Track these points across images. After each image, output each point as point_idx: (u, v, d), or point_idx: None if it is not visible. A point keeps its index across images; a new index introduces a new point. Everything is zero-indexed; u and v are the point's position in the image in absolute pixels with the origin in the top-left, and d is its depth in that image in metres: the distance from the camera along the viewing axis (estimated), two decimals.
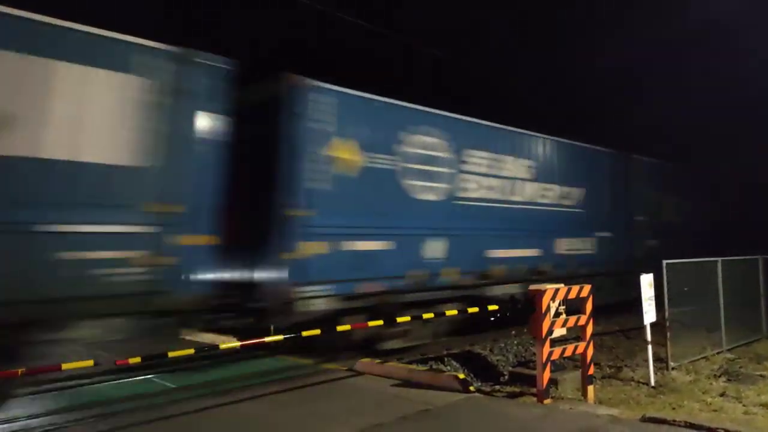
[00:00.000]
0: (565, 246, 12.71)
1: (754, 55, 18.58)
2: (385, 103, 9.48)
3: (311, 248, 8.12)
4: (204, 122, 7.00)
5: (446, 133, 10.24)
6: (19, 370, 4.79)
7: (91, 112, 6.09)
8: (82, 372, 6.66)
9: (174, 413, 5.88)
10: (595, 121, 18.98)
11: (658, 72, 20.89)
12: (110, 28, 6.39)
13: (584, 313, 6.87)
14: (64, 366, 5.02)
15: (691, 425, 5.34)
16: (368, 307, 8.77)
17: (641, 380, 7.61)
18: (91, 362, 5.15)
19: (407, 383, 7.02)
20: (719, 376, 7.89)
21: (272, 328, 7.76)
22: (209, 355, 8.18)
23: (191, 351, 5.80)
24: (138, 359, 5.43)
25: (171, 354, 5.57)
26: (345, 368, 7.95)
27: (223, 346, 6.08)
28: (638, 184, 15.39)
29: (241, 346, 6.09)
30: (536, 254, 11.88)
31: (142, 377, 7.47)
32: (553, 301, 6.43)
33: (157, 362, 6.91)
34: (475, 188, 10.79)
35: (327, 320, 7.99)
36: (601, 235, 13.86)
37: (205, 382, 7.22)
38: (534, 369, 6.63)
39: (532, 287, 6.54)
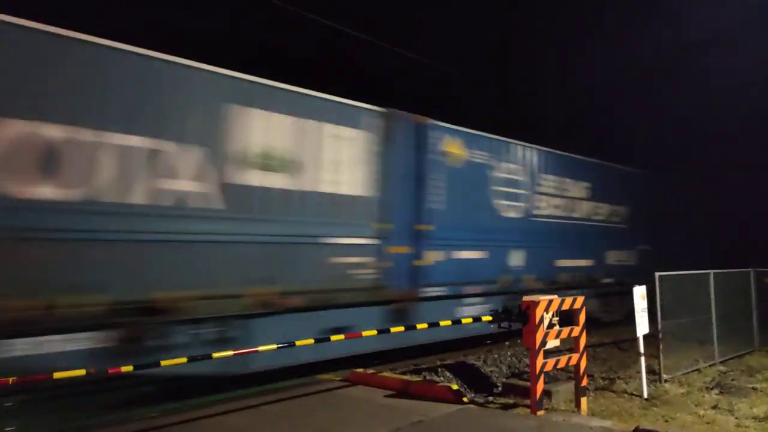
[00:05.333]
0: (613, 257, 14.63)
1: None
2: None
3: None
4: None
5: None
6: (10, 379, 4.75)
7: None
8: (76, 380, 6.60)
9: (164, 424, 5.84)
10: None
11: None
12: None
13: (577, 325, 6.89)
14: (56, 375, 4.98)
15: None
16: None
17: (634, 392, 7.62)
18: (83, 371, 5.11)
19: (401, 394, 7.00)
20: (712, 389, 7.91)
21: None
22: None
23: (184, 360, 5.77)
24: (130, 368, 5.39)
25: (163, 363, 5.54)
26: (338, 378, 7.91)
27: (215, 355, 6.04)
28: (663, 199, 16.74)
29: (234, 354, 6.05)
30: (591, 264, 13.65)
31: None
32: (547, 313, 6.45)
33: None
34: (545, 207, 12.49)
35: None
36: (641, 248, 15.72)
37: (195, 392, 7.18)
38: (527, 380, 6.64)
39: (526, 298, 6.56)
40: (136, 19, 12.93)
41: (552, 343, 6.54)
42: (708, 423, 6.40)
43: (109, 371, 5.29)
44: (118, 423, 5.94)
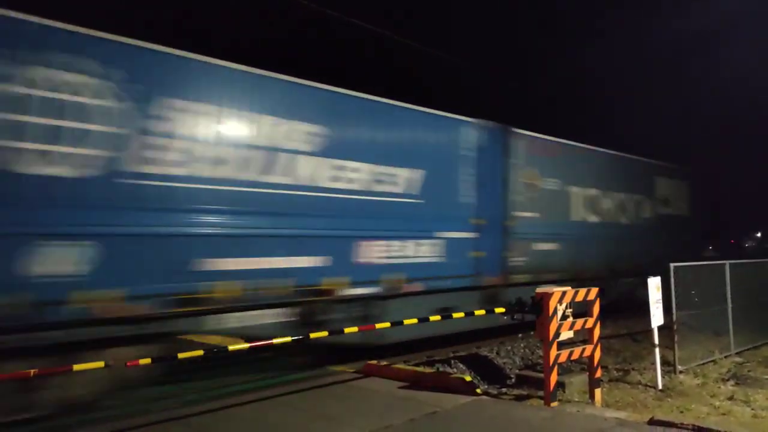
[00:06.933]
0: (379, 252, 8.96)
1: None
2: None
3: None
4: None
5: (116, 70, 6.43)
6: (32, 372, 4.86)
7: None
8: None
9: (181, 415, 5.92)
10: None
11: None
12: None
13: (591, 316, 6.87)
14: (75, 367, 5.08)
15: (699, 429, 5.34)
16: None
17: (649, 383, 7.59)
18: (101, 363, 5.20)
19: (414, 385, 7.04)
20: (727, 380, 7.87)
21: None
22: (217, 357, 8.22)
23: (200, 353, 5.85)
24: (148, 360, 5.48)
25: (181, 356, 5.62)
26: (352, 370, 7.97)
27: (231, 348, 6.12)
28: (524, 169, 11.58)
29: (250, 347, 6.11)
30: (319, 264, 8.20)
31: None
32: (560, 304, 6.44)
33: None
34: (179, 160, 6.93)
35: None
36: (453, 236, 10.03)
37: (211, 384, 7.27)
38: (541, 372, 6.65)
39: (539, 290, 6.55)
40: None
41: (566, 334, 6.53)
42: (724, 414, 6.37)
43: (128, 364, 5.38)
44: (138, 414, 6.03)
